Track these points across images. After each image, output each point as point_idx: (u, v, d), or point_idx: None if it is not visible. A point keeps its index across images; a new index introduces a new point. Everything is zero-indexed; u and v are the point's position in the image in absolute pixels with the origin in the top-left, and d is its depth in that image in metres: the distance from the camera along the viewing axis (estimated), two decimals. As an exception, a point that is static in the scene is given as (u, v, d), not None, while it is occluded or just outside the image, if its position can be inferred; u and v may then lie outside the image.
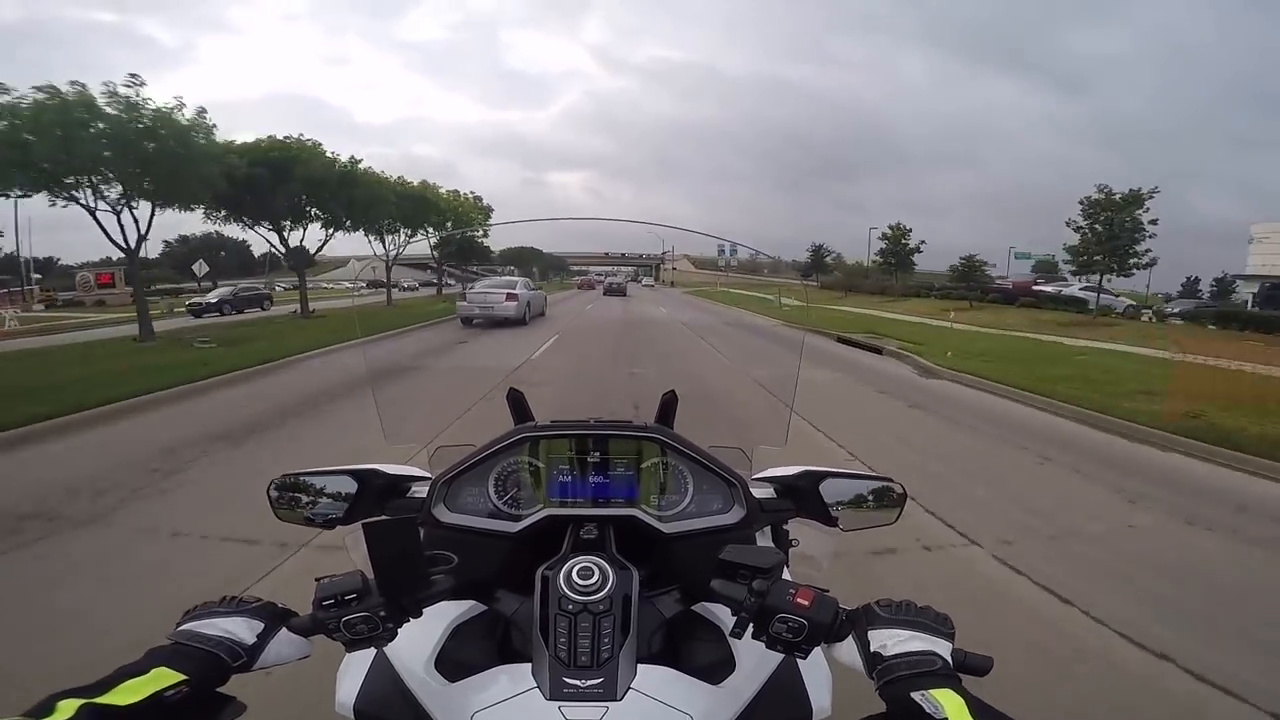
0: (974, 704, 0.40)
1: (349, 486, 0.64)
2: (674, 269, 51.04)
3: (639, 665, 0.49)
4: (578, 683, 0.47)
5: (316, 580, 0.47)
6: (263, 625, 0.48)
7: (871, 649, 0.46)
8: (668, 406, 0.82)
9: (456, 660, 0.55)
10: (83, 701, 0.37)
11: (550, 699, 0.46)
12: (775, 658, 0.54)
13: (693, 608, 0.61)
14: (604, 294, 23.67)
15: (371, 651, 0.53)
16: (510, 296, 9.28)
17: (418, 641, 0.55)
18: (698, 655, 0.57)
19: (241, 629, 0.47)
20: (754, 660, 0.54)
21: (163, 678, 0.41)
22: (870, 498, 0.66)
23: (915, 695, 0.41)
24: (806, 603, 0.46)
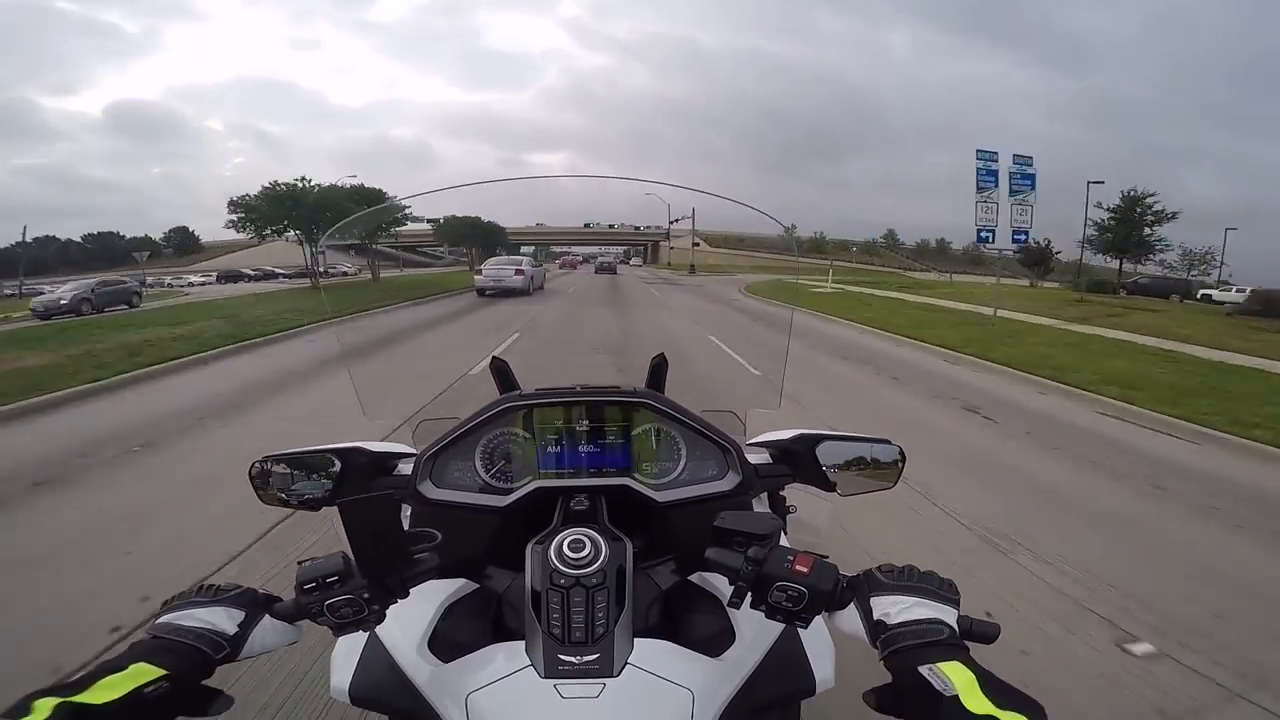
0: (984, 677, 0.43)
1: (333, 466, 0.69)
2: (671, 248, 45.98)
3: (636, 639, 0.53)
4: (573, 659, 0.51)
5: (298, 564, 0.51)
6: (244, 614, 0.52)
7: (875, 617, 0.50)
8: (658, 370, 0.87)
9: (450, 640, 0.60)
10: (59, 700, 0.40)
11: (545, 677, 0.50)
12: (776, 628, 0.59)
13: (690, 578, 0.67)
14: (595, 272, 30.59)
15: (364, 635, 0.57)
16: (518, 272, 13.64)
17: (410, 622, 0.60)
18: (696, 627, 0.62)
19: (222, 619, 0.50)
20: (754, 631, 0.59)
21: (141, 674, 0.44)
22: (868, 460, 0.72)
23: (923, 669, 0.44)
24: (806, 570, 0.50)
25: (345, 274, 32.50)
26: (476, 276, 14.57)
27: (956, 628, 0.48)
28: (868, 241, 68.97)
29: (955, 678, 0.43)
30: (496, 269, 14.21)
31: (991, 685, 0.43)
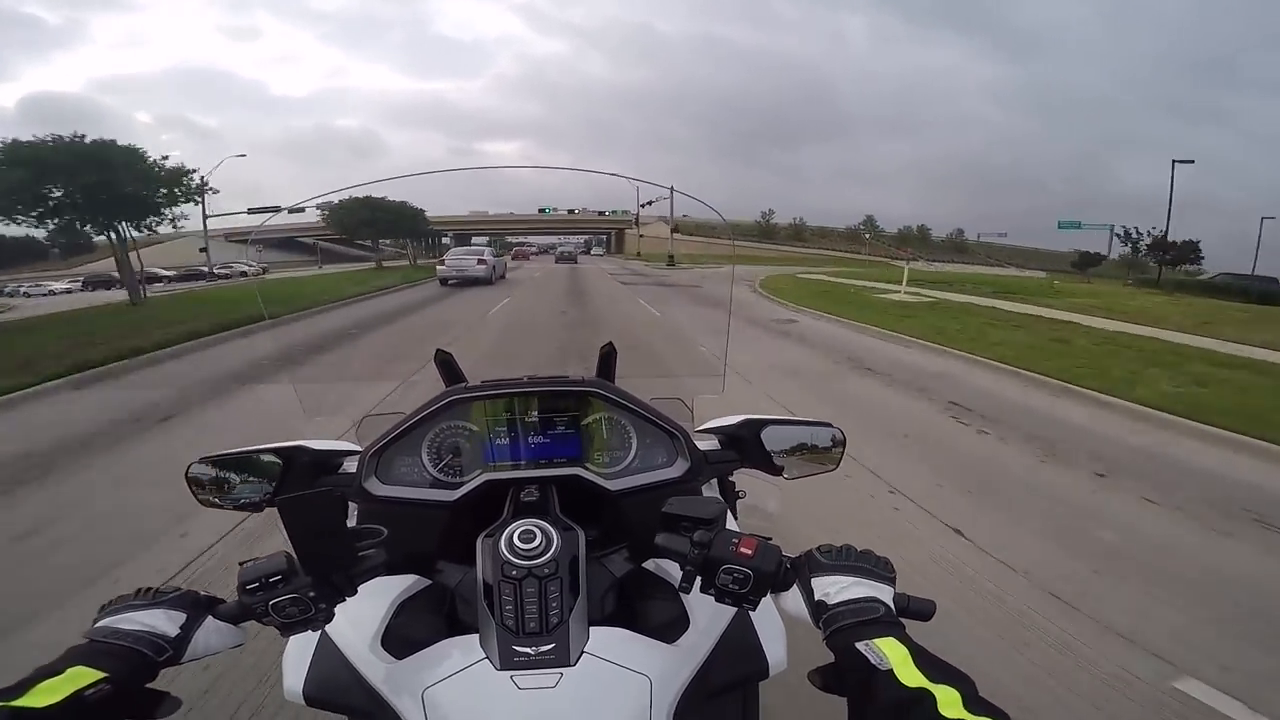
0: (917, 652, 0.50)
1: (274, 465, 0.74)
2: (641, 235, 45.48)
3: (591, 628, 0.60)
4: (528, 650, 0.57)
5: (240, 564, 0.56)
6: (185, 615, 0.56)
7: (816, 597, 0.57)
8: (607, 359, 0.96)
9: (403, 637, 0.66)
10: None
11: (501, 669, 0.56)
12: (728, 613, 0.67)
13: (644, 565, 0.74)
14: (556, 262, 33.52)
15: (315, 635, 0.62)
16: (480, 262, 15.90)
17: (362, 620, 0.66)
18: (651, 614, 0.70)
19: (161, 621, 0.55)
20: (707, 616, 0.67)
21: (80, 677, 0.47)
22: (811, 444, 0.83)
23: (859, 645, 0.51)
24: (750, 552, 0.57)
25: (244, 274, 30.05)
26: (440, 267, 16.83)
27: (893, 605, 0.56)
28: (851, 229, 70.45)
29: (890, 653, 0.50)
30: (459, 259, 16.66)
31: (924, 659, 0.50)
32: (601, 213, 48.91)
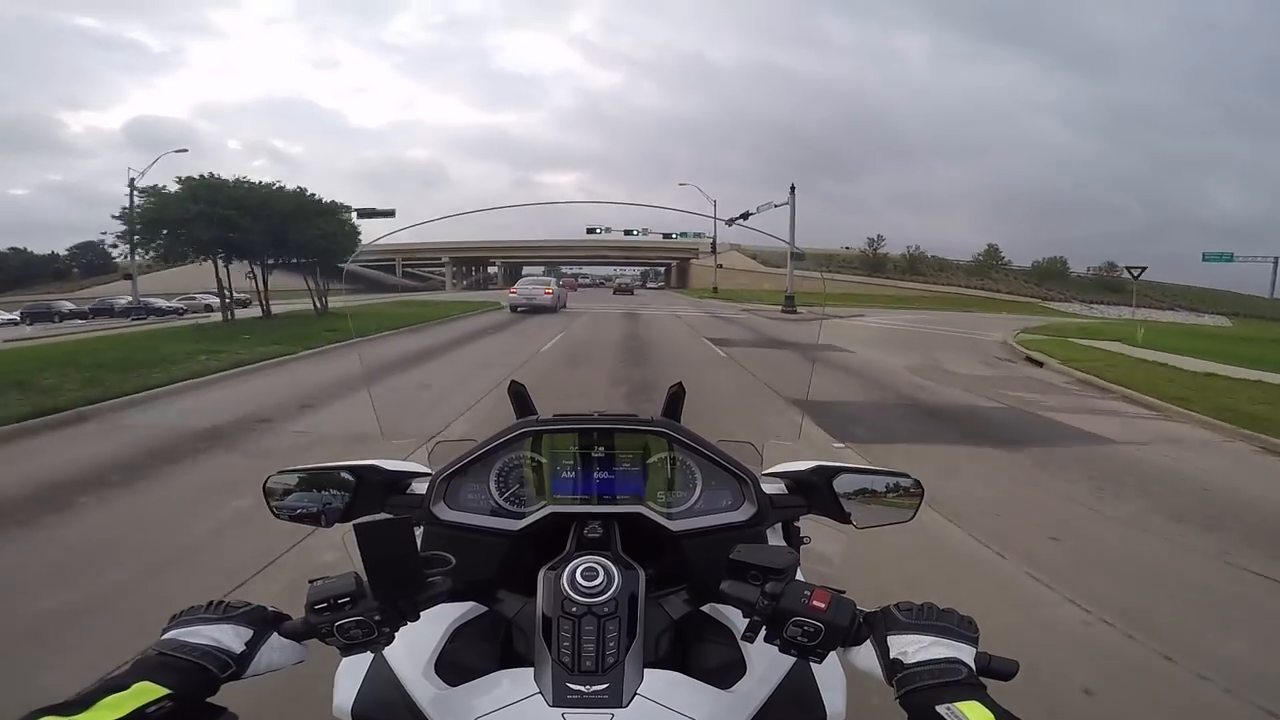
0: (1002, 716, 0.55)
1: (348, 483, 0.92)
2: (720, 265, 47.41)
3: (646, 669, 0.70)
4: (582, 688, 0.66)
5: (309, 582, 0.67)
6: (251, 632, 0.66)
7: (891, 655, 0.64)
8: (675, 399, 1.10)
9: (457, 663, 0.79)
10: None
11: (554, 705, 0.65)
12: (787, 661, 0.76)
13: (702, 609, 0.85)
14: (614, 294, 41.07)
15: (369, 654, 0.74)
16: (548, 292, 22.06)
17: (417, 644, 0.79)
18: (707, 658, 0.81)
19: (229, 636, 0.65)
20: (766, 663, 0.77)
21: (145, 693, 0.56)
22: (885, 493, 0.93)
23: (940, 709, 0.56)
24: (823, 605, 0.65)
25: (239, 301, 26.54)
26: (510, 294, 22.77)
27: (974, 666, 0.62)
28: (977, 259, 67.29)
29: (973, 717, 0.55)
30: (529, 288, 22.64)
31: None
32: (668, 235, 48.70)
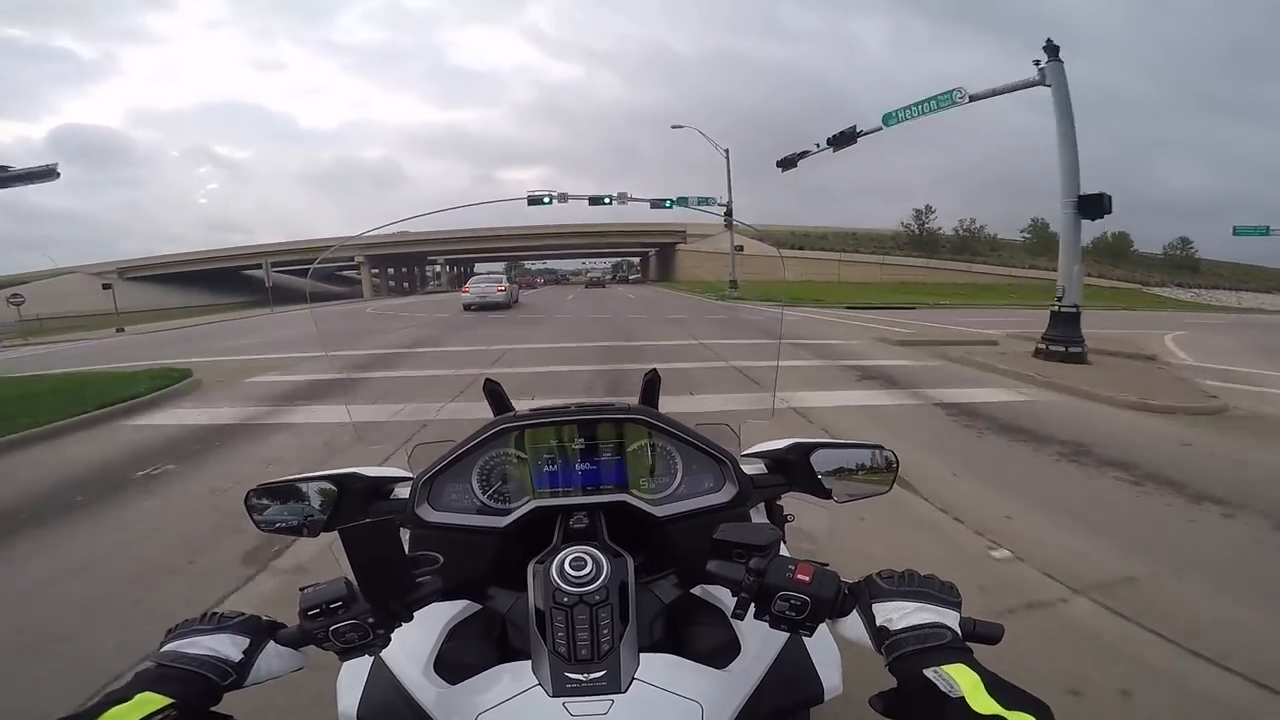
0: (989, 678, 0.69)
1: (328, 492, 1.11)
2: (740, 247, 38.65)
3: (641, 654, 0.86)
4: (580, 677, 0.82)
5: (300, 590, 0.82)
6: (248, 640, 0.81)
7: (878, 623, 0.80)
8: (650, 386, 1.33)
9: (456, 662, 0.97)
10: None
11: (554, 695, 0.81)
12: (781, 637, 0.95)
13: (692, 591, 1.06)
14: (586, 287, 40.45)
15: (369, 659, 0.91)
16: (501, 289, 27.04)
17: (415, 645, 0.97)
18: (701, 640, 1.00)
19: (227, 646, 0.80)
20: (759, 641, 0.96)
21: (147, 703, 0.68)
22: (862, 467, 1.14)
23: (928, 672, 0.70)
24: (807, 578, 0.81)
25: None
26: (463, 294, 27.68)
27: (959, 631, 0.77)
28: (1025, 238, 65.21)
29: (960, 680, 0.69)
30: (480, 286, 27.58)
31: (997, 686, 0.68)
32: (661, 203, 35.09)
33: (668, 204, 36.72)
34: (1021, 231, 66.02)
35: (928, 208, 64.24)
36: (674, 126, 38.41)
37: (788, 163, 20.95)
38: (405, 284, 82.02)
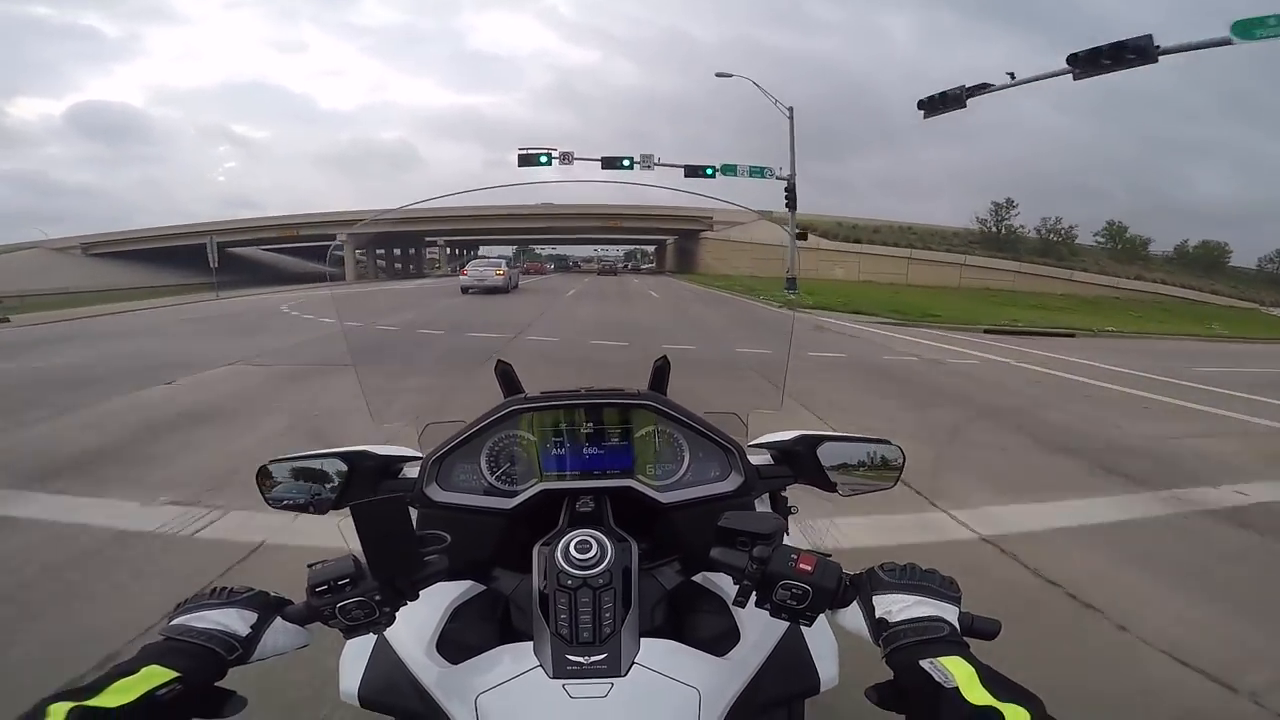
0: (984, 671, 0.76)
1: (339, 469, 1.24)
2: (798, 231, 34.15)
3: (642, 639, 0.97)
4: (580, 659, 0.92)
5: (308, 566, 0.92)
6: (256, 616, 0.90)
7: (877, 615, 0.89)
8: (660, 373, 1.47)
9: (458, 642, 1.10)
10: (73, 705, 0.69)
11: (554, 677, 0.91)
12: (780, 627, 1.07)
13: (694, 578, 1.18)
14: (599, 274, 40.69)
15: (373, 637, 1.02)
16: (500, 273, 27.37)
17: (418, 624, 1.09)
18: (701, 627, 1.13)
19: (234, 620, 0.88)
20: (759, 630, 1.08)
21: (154, 676, 0.75)
22: (868, 461, 1.27)
23: (924, 663, 0.78)
24: (809, 568, 0.91)
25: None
26: (461, 277, 28.47)
27: (957, 625, 0.86)
28: (1099, 243, 58.53)
29: (956, 671, 0.77)
30: (479, 269, 28.32)
31: (991, 679, 0.76)
32: (699, 171, 31.87)
33: (709, 171, 32.63)
34: (1096, 235, 59.65)
35: (1009, 201, 57.42)
36: (719, 75, 34.38)
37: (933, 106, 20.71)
38: (398, 265, 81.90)
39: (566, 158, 30.93)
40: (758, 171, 33.27)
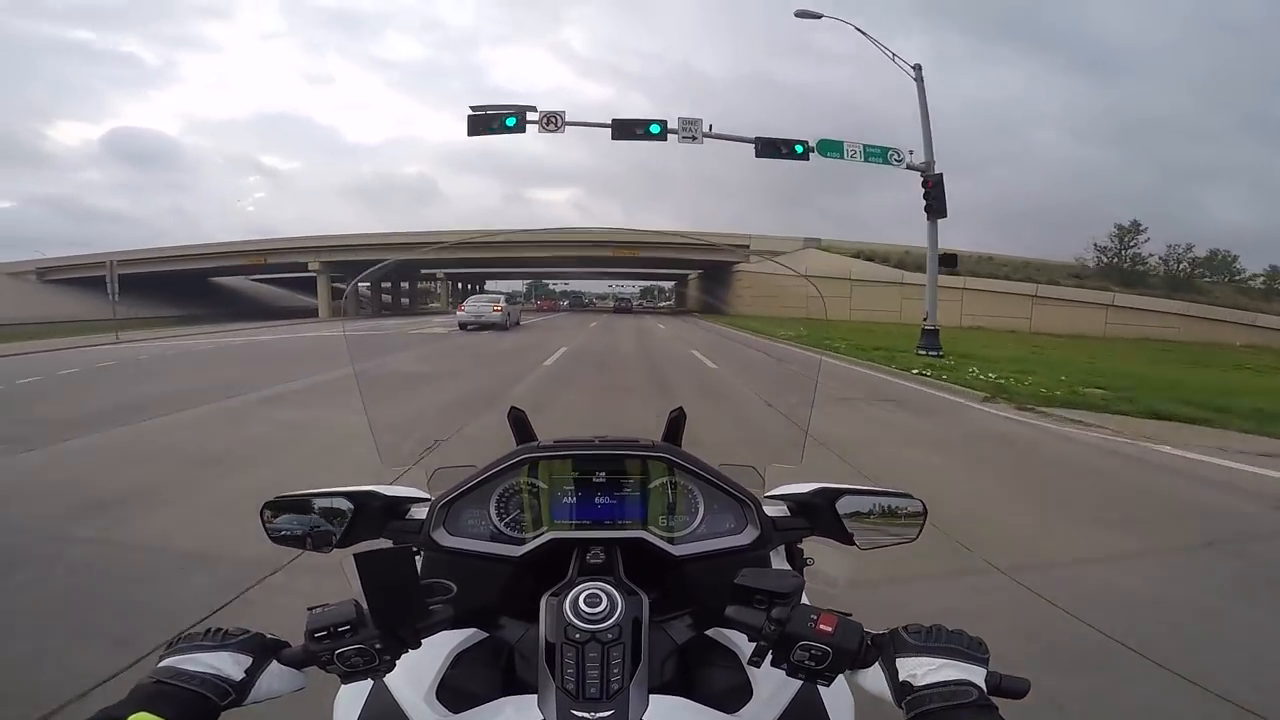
0: None
1: (345, 509, 1.35)
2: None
3: (651, 695, 1.03)
4: (586, 715, 0.97)
5: (308, 610, 0.99)
6: (250, 659, 0.97)
7: (900, 678, 0.95)
8: (675, 424, 1.60)
9: (458, 690, 1.19)
10: None
11: None
12: (794, 684, 1.13)
13: (706, 633, 1.28)
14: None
15: (370, 682, 1.09)
16: (497, 309, 32.57)
17: (418, 670, 1.18)
18: (712, 683, 1.22)
19: (228, 664, 0.94)
20: (772, 687, 1.17)
21: None
22: (888, 514, 1.36)
23: None
24: (830, 629, 0.97)
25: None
26: (458, 313, 33.08)
27: (985, 687, 0.92)
28: (1245, 279, 51.60)
29: None
30: (476, 306, 32.84)
31: None
32: (787, 148, 23.45)
33: (798, 149, 24.36)
34: (1196, 267, 52.24)
35: (1135, 224, 51.27)
36: (799, 14, 23.86)
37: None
38: (388, 298, 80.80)
39: (552, 120, 24.22)
40: (876, 154, 24.71)
